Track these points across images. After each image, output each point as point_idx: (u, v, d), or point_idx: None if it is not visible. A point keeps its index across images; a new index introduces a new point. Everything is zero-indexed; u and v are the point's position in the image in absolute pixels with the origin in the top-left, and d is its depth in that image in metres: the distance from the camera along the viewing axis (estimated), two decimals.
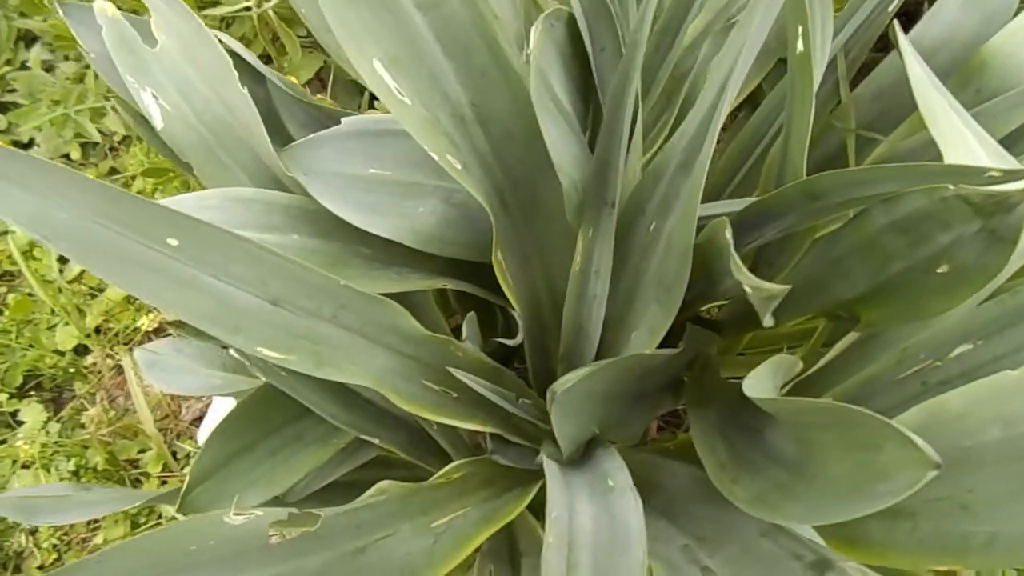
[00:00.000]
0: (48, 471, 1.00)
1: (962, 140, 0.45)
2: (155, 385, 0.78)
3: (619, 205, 0.47)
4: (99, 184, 0.38)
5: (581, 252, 0.50)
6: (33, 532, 0.99)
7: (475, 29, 0.48)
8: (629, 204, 0.48)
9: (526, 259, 0.54)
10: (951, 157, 0.44)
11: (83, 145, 1.18)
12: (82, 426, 1.03)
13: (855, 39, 0.61)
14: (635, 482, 0.43)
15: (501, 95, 0.50)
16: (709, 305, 0.67)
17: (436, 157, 0.48)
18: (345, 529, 0.43)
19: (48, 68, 1.21)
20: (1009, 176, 0.33)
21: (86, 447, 1.01)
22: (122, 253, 0.39)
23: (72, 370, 1.06)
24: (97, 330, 1.08)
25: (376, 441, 0.53)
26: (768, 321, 0.41)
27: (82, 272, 1.11)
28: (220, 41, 0.56)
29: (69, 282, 1.10)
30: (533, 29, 0.46)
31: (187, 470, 0.94)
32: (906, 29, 0.54)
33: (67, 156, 1.18)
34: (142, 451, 1.01)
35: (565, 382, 0.44)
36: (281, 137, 0.60)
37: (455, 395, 0.51)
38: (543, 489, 0.52)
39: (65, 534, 0.99)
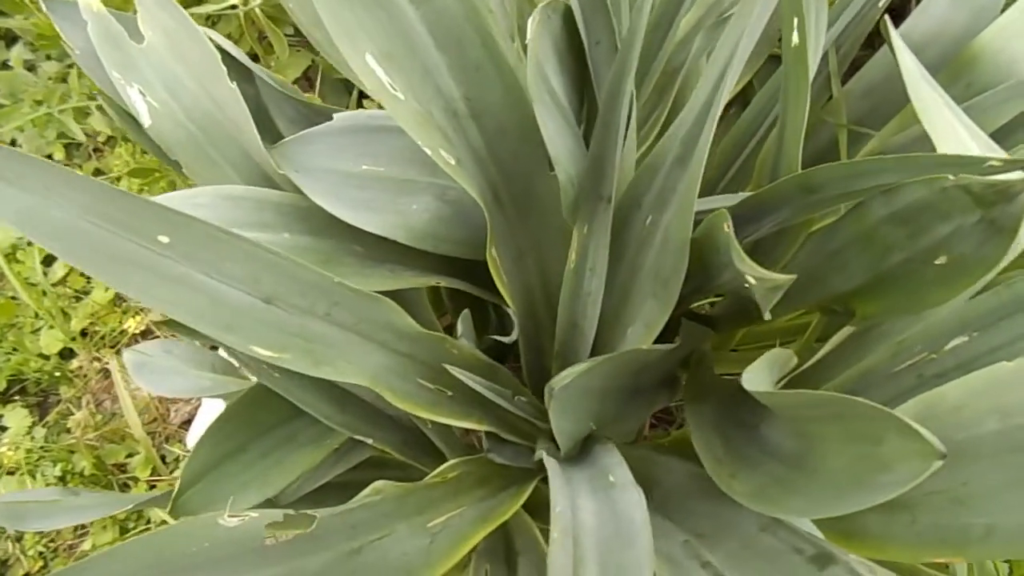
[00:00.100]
0: (34, 477, 0.99)
1: (954, 133, 0.45)
2: (144, 387, 0.77)
3: (615, 200, 0.47)
4: (88, 180, 0.38)
5: (576, 248, 0.50)
6: (19, 539, 0.97)
7: (469, 23, 0.48)
8: (625, 198, 0.48)
9: (521, 255, 0.54)
10: (944, 150, 0.44)
11: (67, 146, 1.17)
12: (68, 431, 1.02)
13: (846, 34, 0.61)
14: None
15: (495, 89, 0.49)
16: (703, 301, 0.68)
17: (429, 152, 0.47)
18: (341, 530, 0.42)
19: (30, 67, 1.19)
20: (1009, 165, 0.33)
21: (72, 452, 1.00)
22: (112, 251, 0.39)
23: (57, 374, 1.05)
24: (83, 333, 1.06)
25: (370, 441, 0.52)
26: (768, 314, 0.41)
27: (67, 275, 1.09)
28: (208, 38, 0.55)
29: (53, 285, 1.08)
30: (531, 20, 0.45)
31: (176, 474, 0.93)
32: (895, 25, 0.54)
33: (50, 157, 1.16)
34: (130, 455, 1.00)
35: (563, 378, 0.44)
36: (271, 134, 0.60)
37: (450, 393, 0.50)
38: (539, 488, 0.52)
39: (51, 541, 0.98)
